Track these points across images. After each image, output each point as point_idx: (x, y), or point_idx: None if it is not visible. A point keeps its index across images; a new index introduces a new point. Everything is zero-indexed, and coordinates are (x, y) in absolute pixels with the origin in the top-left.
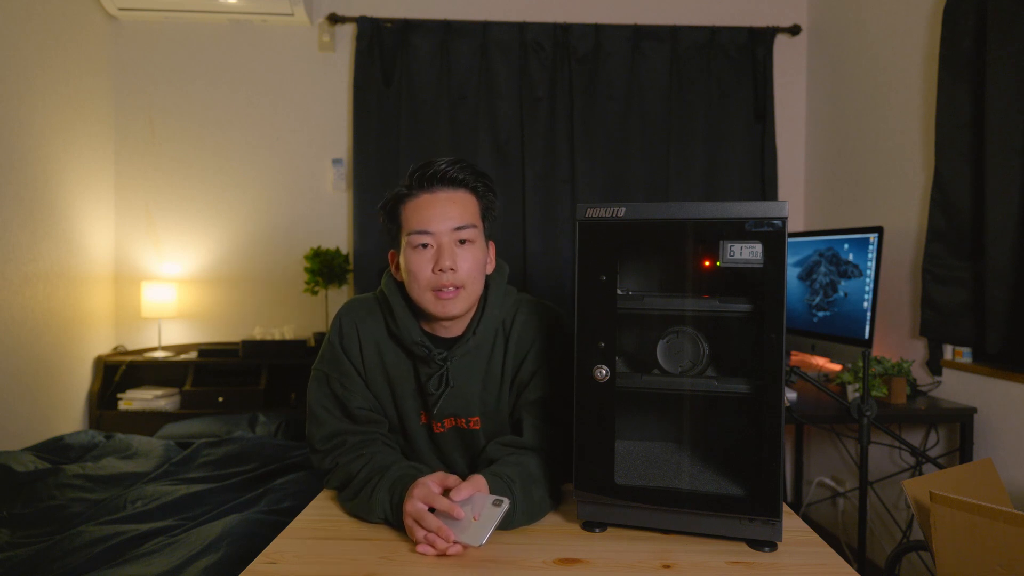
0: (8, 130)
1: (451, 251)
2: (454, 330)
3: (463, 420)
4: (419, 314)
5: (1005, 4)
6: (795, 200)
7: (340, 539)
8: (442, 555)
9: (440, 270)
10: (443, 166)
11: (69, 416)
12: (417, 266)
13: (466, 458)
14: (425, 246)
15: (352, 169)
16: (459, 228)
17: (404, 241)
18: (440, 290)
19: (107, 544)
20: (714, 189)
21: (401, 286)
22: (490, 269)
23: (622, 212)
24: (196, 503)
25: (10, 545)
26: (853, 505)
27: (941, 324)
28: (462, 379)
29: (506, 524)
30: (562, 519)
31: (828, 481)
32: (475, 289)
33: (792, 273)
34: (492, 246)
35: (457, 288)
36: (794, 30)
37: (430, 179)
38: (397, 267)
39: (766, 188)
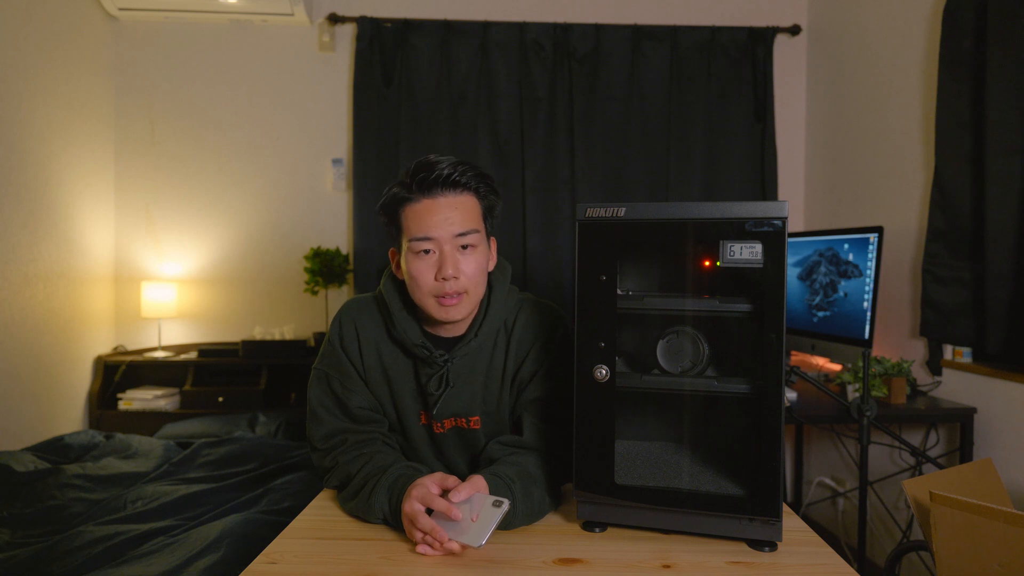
0: (8, 130)
1: (453, 258)
2: (456, 330)
3: (463, 420)
4: (420, 315)
5: (1005, 4)
6: (795, 200)
7: (340, 539)
8: (443, 554)
9: (443, 278)
10: (445, 170)
11: (69, 416)
12: (419, 272)
13: (466, 458)
14: (427, 252)
15: (352, 169)
16: (461, 234)
17: (406, 246)
18: (443, 296)
19: (107, 544)
20: (714, 189)
21: (401, 287)
22: (491, 266)
23: (622, 212)
24: (196, 503)
25: (10, 545)
26: (853, 505)
27: (941, 324)
28: (463, 379)
29: (506, 524)
30: (562, 519)
31: (828, 481)
32: (478, 293)
33: (792, 273)
34: (493, 242)
35: (460, 294)
36: (794, 30)
37: (432, 183)
38: (398, 265)
39: (766, 188)
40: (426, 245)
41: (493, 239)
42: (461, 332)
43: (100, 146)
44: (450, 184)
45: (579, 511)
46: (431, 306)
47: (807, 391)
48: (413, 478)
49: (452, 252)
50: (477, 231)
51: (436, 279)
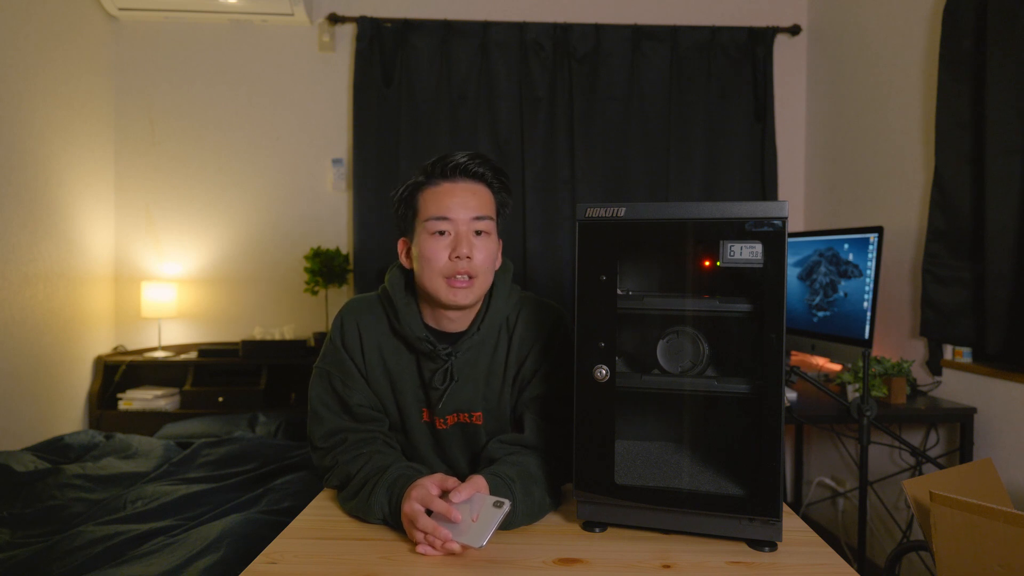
0: (8, 130)
1: (468, 239)
2: (458, 324)
3: (466, 415)
4: (423, 309)
5: (1005, 4)
6: (795, 200)
7: (340, 539)
8: (444, 554)
9: (457, 257)
10: (464, 159)
11: (69, 416)
12: (433, 252)
13: (467, 456)
14: (443, 233)
15: (352, 169)
16: (477, 218)
17: (420, 227)
18: (453, 278)
19: (107, 544)
20: (714, 189)
21: (405, 281)
22: (496, 265)
23: (622, 212)
24: (196, 503)
25: (10, 545)
26: (853, 505)
27: (941, 324)
28: (466, 373)
29: (506, 524)
30: (562, 519)
31: (828, 481)
32: (485, 281)
33: (792, 273)
34: (500, 243)
35: (471, 277)
36: (794, 30)
37: (452, 169)
38: (407, 254)
39: (766, 188)
40: (443, 226)
41: (500, 240)
42: (463, 327)
43: (100, 146)
44: (469, 172)
45: (579, 511)
46: (441, 288)
47: (807, 391)
48: (412, 478)
49: (467, 234)
50: (491, 219)
51: (450, 258)
